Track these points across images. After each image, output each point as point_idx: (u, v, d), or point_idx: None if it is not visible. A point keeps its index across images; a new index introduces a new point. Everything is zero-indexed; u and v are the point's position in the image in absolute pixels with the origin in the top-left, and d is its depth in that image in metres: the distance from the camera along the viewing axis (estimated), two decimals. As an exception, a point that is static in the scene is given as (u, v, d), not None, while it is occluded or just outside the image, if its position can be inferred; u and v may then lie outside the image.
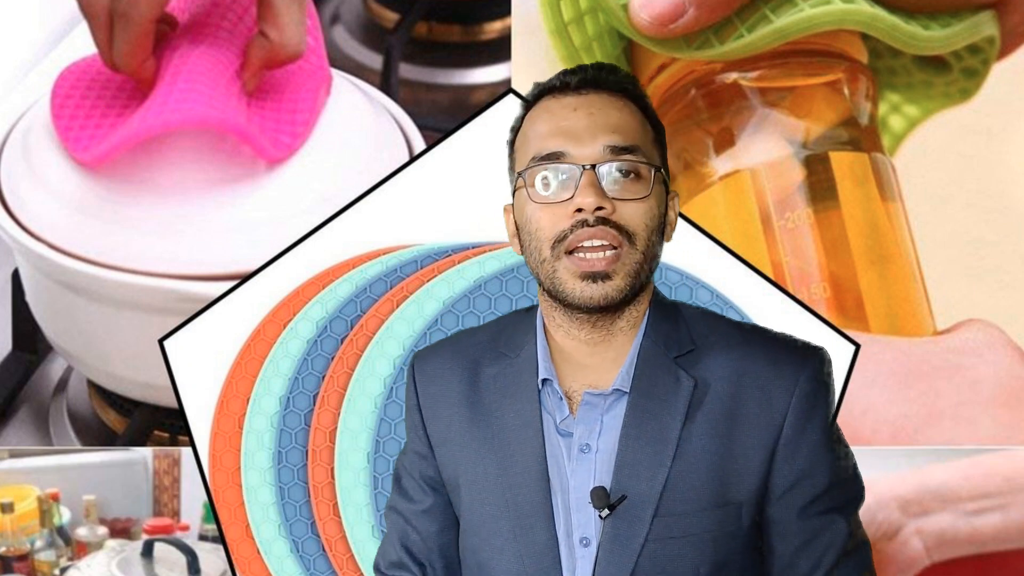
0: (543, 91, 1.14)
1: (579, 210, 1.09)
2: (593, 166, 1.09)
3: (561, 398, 1.13)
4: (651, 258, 1.11)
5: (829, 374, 1.13)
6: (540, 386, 1.13)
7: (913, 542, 1.50)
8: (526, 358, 1.14)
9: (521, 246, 1.14)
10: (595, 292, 1.10)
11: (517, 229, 1.14)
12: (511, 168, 1.15)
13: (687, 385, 1.11)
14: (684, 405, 1.11)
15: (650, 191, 1.10)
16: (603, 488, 1.10)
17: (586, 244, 1.09)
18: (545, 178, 1.10)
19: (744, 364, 1.12)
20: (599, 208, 1.09)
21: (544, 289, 1.13)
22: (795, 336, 1.15)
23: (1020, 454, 1.50)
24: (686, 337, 1.13)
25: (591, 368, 1.13)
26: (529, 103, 1.15)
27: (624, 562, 1.10)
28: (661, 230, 1.12)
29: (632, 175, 1.10)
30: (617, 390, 1.12)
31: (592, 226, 1.09)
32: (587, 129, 1.11)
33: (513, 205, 1.14)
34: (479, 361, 1.17)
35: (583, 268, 1.09)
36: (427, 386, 1.18)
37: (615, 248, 1.09)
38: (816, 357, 1.13)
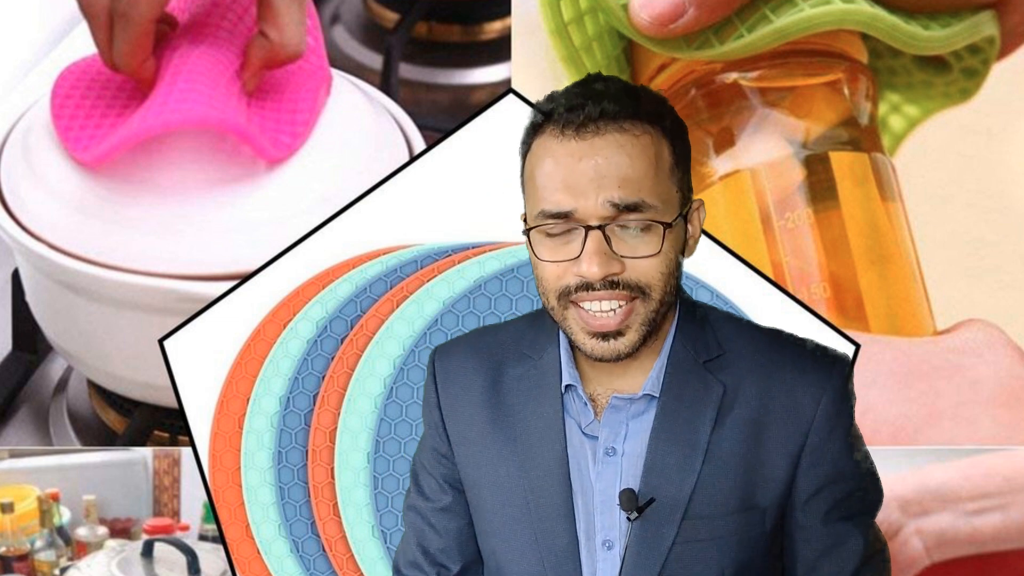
0: (548, 116, 1.08)
1: None
2: (600, 226, 1.06)
3: (586, 403, 1.11)
4: (669, 301, 1.09)
5: (851, 381, 1.13)
6: (564, 391, 1.12)
7: (913, 542, 1.50)
8: (549, 361, 1.13)
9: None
10: (605, 350, 1.08)
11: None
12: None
13: (717, 390, 1.10)
14: (714, 410, 1.10)
15: (660, 248, 1.06)
16: (632, 491, 1.09)
17: (594, 308, 1.07)
18: (550, 237, 1.07)
19: (770, 370, 1.11)
20: (607, 275, 1.06)
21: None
22: (819, 343, 1.13)
23: (1020, 454, 1.50)
24: (714, 342, 1.11)
25: (617, 374, 1.11)
26: (536, 125, 1.09)
27: (652, 564, 1.09)
28: (680, 263, 1.09)
29: (643, 228, 1.06)
30: (647, 395, 1.10)
31: (597, 290, 1.06)
32: (592, 183, 1.05)
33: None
34: (503, 361, 1.15)
35: (593, 327, 1.07)
36: (448, 385, 1.16)
37: (627, 303, 1.07)
38: (841, 367, 1.12)
